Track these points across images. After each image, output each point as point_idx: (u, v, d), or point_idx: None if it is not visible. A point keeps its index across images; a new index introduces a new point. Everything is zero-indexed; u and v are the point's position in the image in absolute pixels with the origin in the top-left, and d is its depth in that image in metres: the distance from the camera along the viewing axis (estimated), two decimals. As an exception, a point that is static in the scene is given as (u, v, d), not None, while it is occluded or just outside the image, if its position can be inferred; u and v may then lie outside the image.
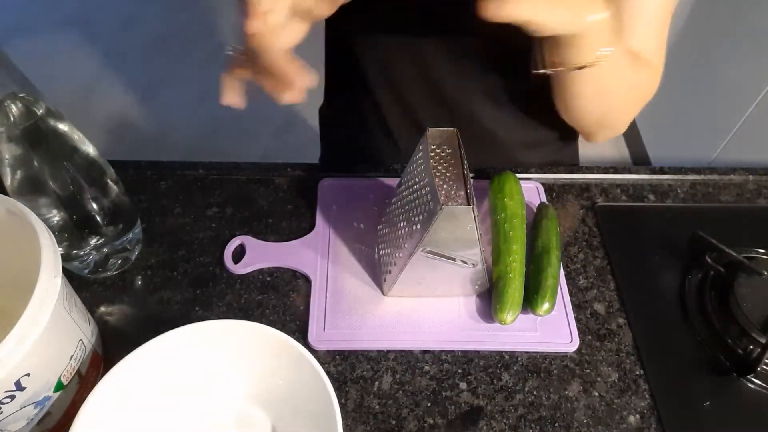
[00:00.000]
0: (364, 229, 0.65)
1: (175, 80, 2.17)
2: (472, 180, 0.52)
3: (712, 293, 0.60)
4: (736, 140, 1.47)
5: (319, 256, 0.62)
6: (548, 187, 0.70)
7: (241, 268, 0.61)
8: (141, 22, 2.39)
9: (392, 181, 0.69)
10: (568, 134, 0.78)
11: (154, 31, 2.34)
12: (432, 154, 0.54)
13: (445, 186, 0.56)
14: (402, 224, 0.55)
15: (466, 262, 0.53)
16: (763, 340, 0.54)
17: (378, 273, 0.61)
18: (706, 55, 1.55)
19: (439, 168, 0.56)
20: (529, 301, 0.56)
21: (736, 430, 0.53)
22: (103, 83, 2.16)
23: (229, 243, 0.63)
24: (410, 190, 0.54)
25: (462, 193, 0.54)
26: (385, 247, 0.60)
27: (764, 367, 0.54)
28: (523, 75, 0.67)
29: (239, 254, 0.63)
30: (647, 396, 0.54)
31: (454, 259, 0.53)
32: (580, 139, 0.79)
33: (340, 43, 0.69)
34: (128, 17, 2.40)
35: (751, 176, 0.73)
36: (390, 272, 0.58)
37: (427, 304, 0.59)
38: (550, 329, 0.58)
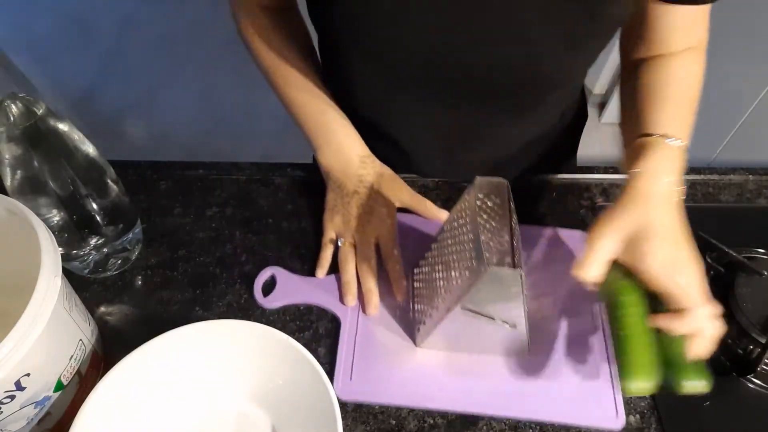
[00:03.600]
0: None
1: (175, 80, 2.17)
2: (519, 234, 0.49)
3: (712, 293, 0.60)
4: (736, 140, 1.47)
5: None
6: (548, 187, 0.70)
7: (271, 302, 0.59)
8: (141, 22, 2.39)
9: (433, 225, 0.61)
10: (566, 154, 0.77)
11: (154, 31, 2.34)
12: (478, 203, 0.50)
13: (491, 243, 0.52)
14: (441, 275, 0.52)
15: (507, 323, 0.49)
16: (763, 340, 0.54)
17: (411, 322, 0.57)
18: (705, 56, 1.54)
19: (486, 220, 0.52)
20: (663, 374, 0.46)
21: (736, 430, 0.53)
22: (103, 83, 2.16)
23: (260, 274, 0.61)
24: (452, 240, 0.51)
25: (509, 251, 0.50)
26: (421, 296, 0.57)
27: (764, 367, 0.54)
28: (512, 107, 0.63)
29: (269, 286, 0.60)
30: (647, 396, 0.54)
31: (494, 319, 0.49)
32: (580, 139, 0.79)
33: (332, 52, 0.66)
34: (128, 17, 2.40)
35: (751, 176, 0.73)
36: (424, 323, 0.54)
37: (460, 360, 0.55)
38: (590, 401, 0.53)
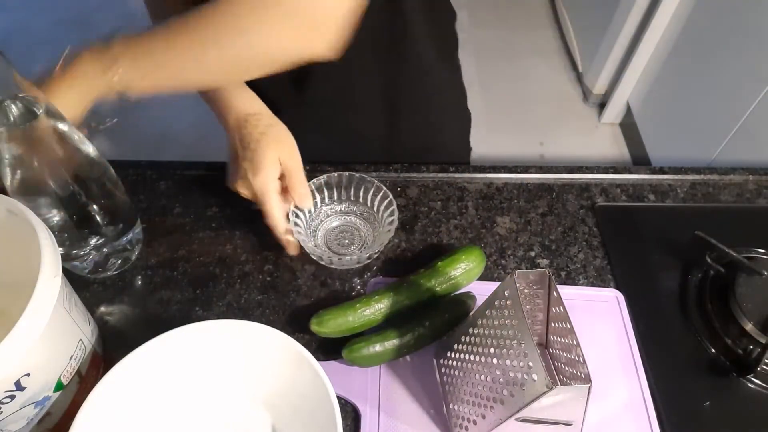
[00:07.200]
0: (422, 360, 0.55)
1: (175, 80, 2.17)
2: (574, 328, 0.43)
3: (712, 293, 0.60)
4: (736, 140, 1.47)
5: (369, 379, 0.54)
6: (548, 187, 0.70)
7: None
8: (141, 21, 2.39)
9: None
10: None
11: (154, 31, 2.34)
12: (522, 296, 0.43)
13: (552, 349, 0.48)
14: (482, 377, 0.46)
15: (570, 425, 0.45)
16: (763, 340, 0.54)
17: (443, 416, 0.52)
18: (706, 55, 1.55)
19: (536, 321, 0.48)
20: None
21: (736, 430, 0.53)
22: (103, 83, 2.16)
23: None
24: (494, 340, 0.45)
25: (574, 360, 0.44)
26: (454, 394, 0.50)
27: (764, 367, 0.54)
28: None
29: None
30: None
31: (552, 423, 0.45)
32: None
33: None
34: (128, 17, 2.40)
35: (751, 176, 0.73)
36: (467, 429, 0.48)
37: None
38: None
